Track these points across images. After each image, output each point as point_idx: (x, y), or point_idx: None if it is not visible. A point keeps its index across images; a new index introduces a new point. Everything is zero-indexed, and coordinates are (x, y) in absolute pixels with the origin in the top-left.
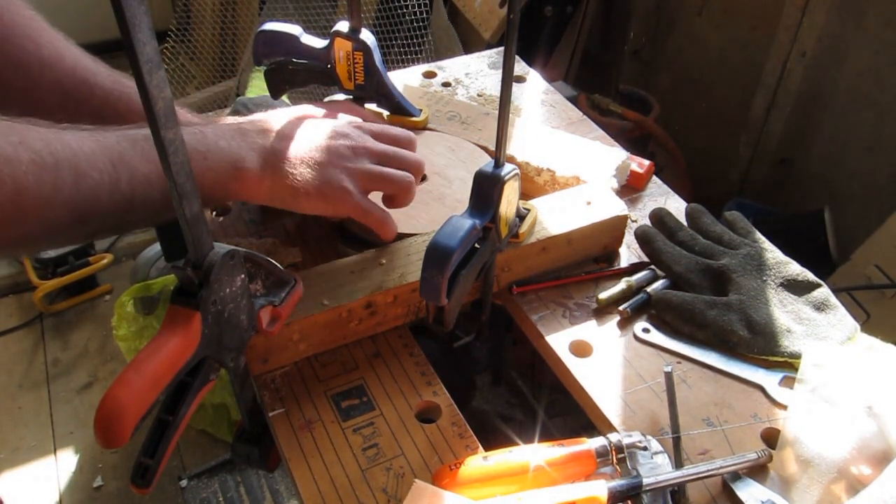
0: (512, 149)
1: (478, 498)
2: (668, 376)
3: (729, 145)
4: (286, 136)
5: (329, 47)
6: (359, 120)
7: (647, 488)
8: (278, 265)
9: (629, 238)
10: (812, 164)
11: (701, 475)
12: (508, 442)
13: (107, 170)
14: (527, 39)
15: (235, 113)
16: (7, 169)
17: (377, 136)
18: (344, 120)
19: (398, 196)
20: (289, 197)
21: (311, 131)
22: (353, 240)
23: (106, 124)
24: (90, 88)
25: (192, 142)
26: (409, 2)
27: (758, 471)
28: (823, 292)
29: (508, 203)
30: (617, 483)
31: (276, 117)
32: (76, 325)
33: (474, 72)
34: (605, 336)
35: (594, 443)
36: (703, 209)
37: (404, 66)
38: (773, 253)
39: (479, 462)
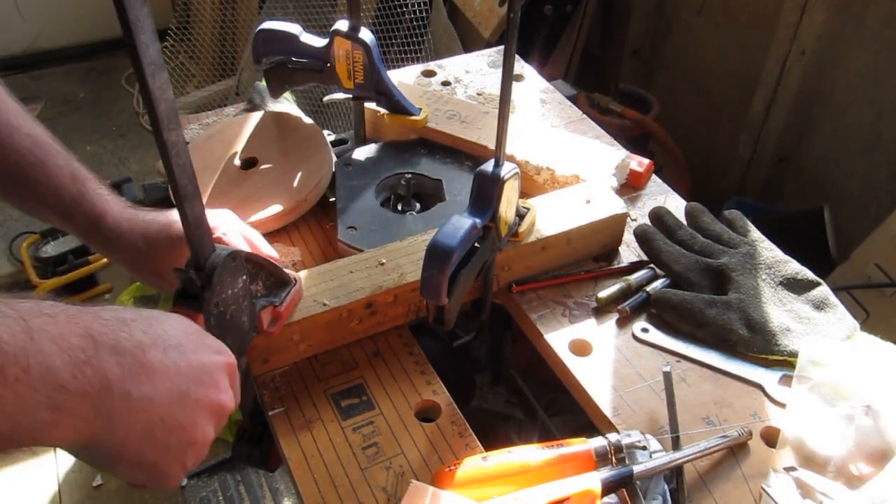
0: (512, 148)
1: (477, 499)
2: (667, 376)
3: (728, 144)
4: (146, 370)
5: (329, 46)
6: (230, 360)
7: (639, 476)
8: (279, 266)
9: (629, 237)
10: (811, 162)
11: (688, 458)
12: (508, 441)
13: None
14: (527, 38)
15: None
16: None
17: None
18: (220, 368)
19: None
20: (107, 457)
21: (185, 367)
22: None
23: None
24: (6, 150)
25: (12, 350)
26: (408, 0)
27: (740, 448)
28: (823, 291)
29: (508, 202)
30: (609, 474)
31: (141, 335)
32: None
33: (474, 70)
34: (604, 335)
35: (593, 443)
36: (702, 208)
37: (404, 65)
38: (772, 252)
39: (478, 462)
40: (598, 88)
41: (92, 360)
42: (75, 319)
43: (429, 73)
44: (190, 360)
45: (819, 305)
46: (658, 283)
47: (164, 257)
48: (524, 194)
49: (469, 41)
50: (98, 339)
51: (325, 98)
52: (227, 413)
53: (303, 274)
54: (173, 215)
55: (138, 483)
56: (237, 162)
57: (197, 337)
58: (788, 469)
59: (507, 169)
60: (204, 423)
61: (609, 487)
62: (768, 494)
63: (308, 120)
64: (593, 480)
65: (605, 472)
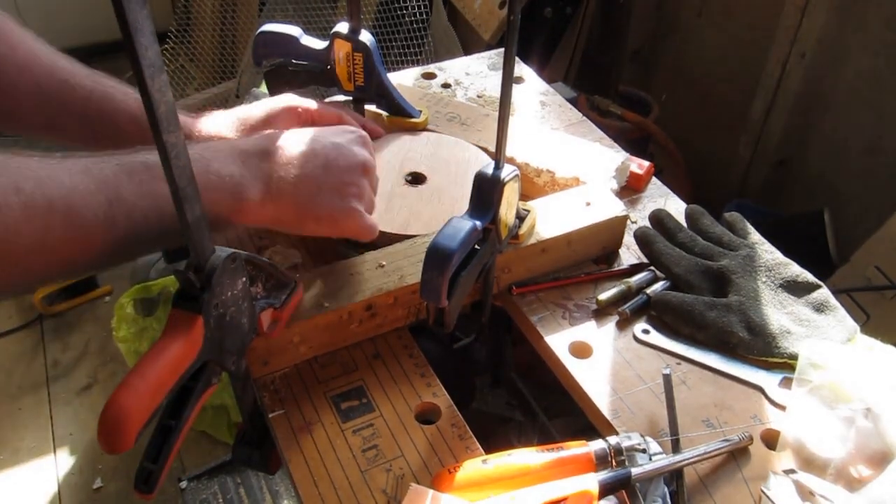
0: (512, 150)
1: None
2: (667, 379)
3: (728, 146)
4: (289, 159)
5: (329, 48)
6: (358, 130)
7: (637, 479)
8: (279, 267)
9: (629, 239)
10: (811, 165)
11: (688, 461)
12: (508, 443)
13: (102, 209)
14: (526, 40)
15: None
16: None
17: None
18: (345, 135)
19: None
20: (294, 222)
21: (313, 152)
22: (353, 242)
23: (91, 124)
24: (70, 89)
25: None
26: (408, 3)
27: (740, 451)
28: (823, 293)
29: (508, 204)
30: (607, 476)
31: (277, 138)
32: (76, 327)
33: (474, 73)
34: (604, 337)
35: (593, 446)
36: (702, 210)
37: (404, 68)
38: (772, 254)
39: (478, 465)
40: (598, 91)
41: (253, 166)
42: (226, 146)
43: (429, 76)
44: (327, 138)
45: (819, 308)
46: (658, 286)
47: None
48: (524, 196)
49: (469, 43)
50: (252, 155)
51: (326, 100)
52: (371, 169)
53: (303, 276)
54: (262, 106)
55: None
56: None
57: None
58: (788, 472)
59: (507, 171)
60: (354, 175)
61: (607, 489)
62: (768, 497)
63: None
64: (591, 481)
65: (604, 474)
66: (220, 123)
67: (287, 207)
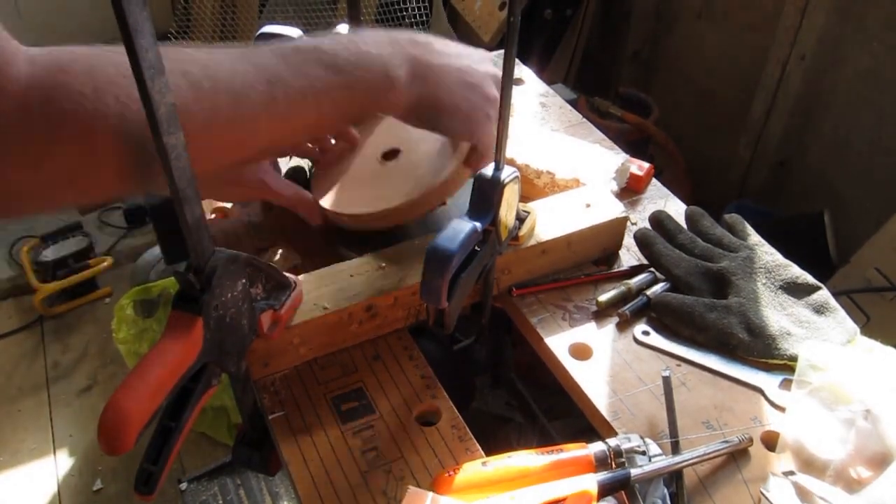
0: (512, 151)
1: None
2: (666, 381)
3: (728, 147)
4: (437, 51)
5: None
6: (490, 54)
7: (636, 480)
8: (278, 269)
9: (629, 240)
10: (812, 166)
11: (687, 462)
12: (508, 444)
13: (263, 89)
14: (526, 42)
15: None
16: None
17: None
18: (478, 53)
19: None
20: (432, 111)
21: (461, 53)
22: (353, 242)
23: None
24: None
25: (343, 53)
26: (408, 4)
27: (740, 453)
28: (823, 295)
29: (508, 206)
30: (606, 476)
31: (424, 35)
32: (76, 328)
33: None
34: (604, 339)
35: (593, 448)
36: (702, 212)
37: None
38: (772, 255)
39: (477, 468)
40: (598, 92)
41: (400, 49)
42: (377, 32)
43: None
44: (460, 50)
45: (819, 309)
46: (658, 287)
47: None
48: (524, 198)
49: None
50: (399, 40)
51: None
52: (497, 80)
53: (303, 277)
54: None
55: (464, 135)
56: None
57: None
58: (787, 473)
59: (507, 173)
60: (490, 85)
61: (606, 489)
62: (767, 498)
63: None
64: (590, 482)
65: (602, 475)
66: None
67: (430, 90)
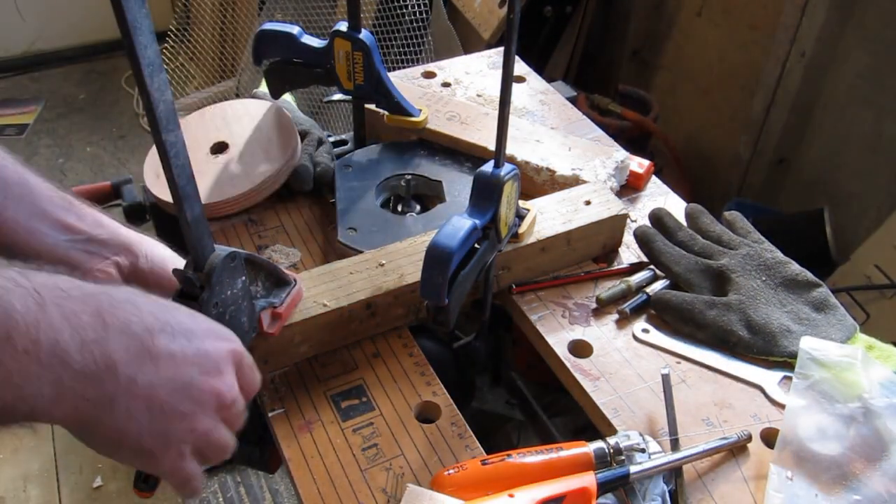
0: (511, 148)
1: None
2: (666, 379)
3: (728, 145)
4: (131, 391)
5: (329, 47)
6: (237, 347)
7: (635, 477)
8: (278, 266)
9: (629, 238)
10: (811, 163)
11: (686, 459)
12: (508, 442)
13: None
14: (526, 39)
15: None
16: None
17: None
18: (228, 358)
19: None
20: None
21: (185, 357)
22: (353, 241)
23: None
24: None
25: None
26: (408, 2)
27: (740, 450)
28: (823, 292)
29: (508, 203)
30: (605, 474)
31: (150, 308)
32: None
33: (474, 72)
34: (604, 336)
35: (592, 446)
36: (702, 209)
37: (404, 67)
38: (772, 253)
39: (477, 466)
40: (597, 90)
41: (100, 340)
42: (87, 297)
43: (429, 75)
44: (197, 348)
45: (819, 307)
46: (658, 285)
47: None
48: (524, 195)
49: (469, 43)
50: (108, 320)
51: (325, 99)
52: (227, 402)
53: (303, 275)
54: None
55: (143, 467)
56: (207, 148)
57: (207, 325)
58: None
59: (506, 170)
60: (206, 412)
61: (605, 486)
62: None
63: (273, 103)
64: (589, 479)
65: (602, 473)
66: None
67: (106, 414)
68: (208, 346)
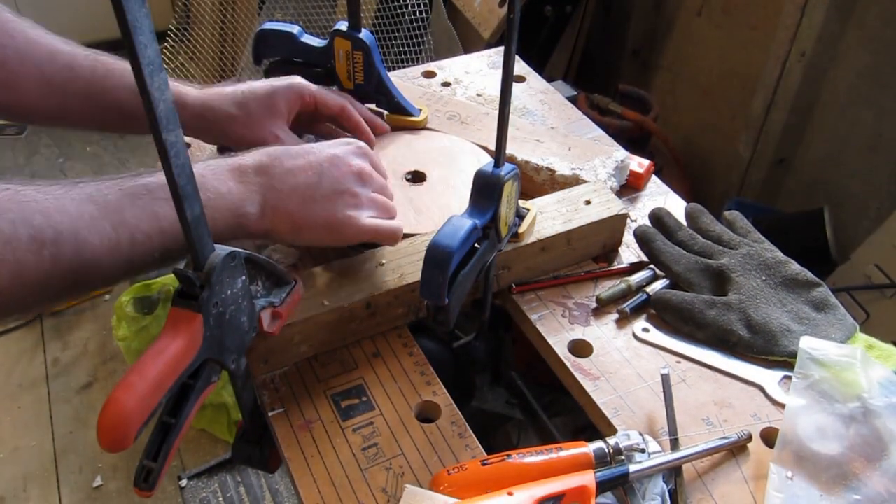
0: (511, 148)
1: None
2: (665, 379)
3: (728, 145)
4: (284, 171)
5: (329, 47)
6: (354, 142)
7: (635, 477)
8: (278, 266)
9: (629, 238)
10: (811, 163)
11: (685, 459)
12: (508, 441)
13: (107, 234)
14: (526, 39)
15: None
16: (7, 250)
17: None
18: (340, 147)
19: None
20: (291, 232)
21: (308, 164)
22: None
23: (96, 103)
24: (72, 72)
25: None
26: (408, 1)
27: (740, 449)
28: (823, 292)
29: (508, 203)
30: (605, 473)
31: (273, 152)
32: (76, 325)
33: (474, 71)
34: (604, 336)
35: (592, 446)
36: (702, 209)
37: (404, 66)
38: (772, 252)
39: (477, 467)
40: (597, 89)
41: (249, 182)
42: (224, 163)
43: (429, 74)
44: (323, 150)
45: (819, 306)
46: (658, 284)
47: (259, 117)
48: (524, 195)
49: (469, 42)
50: (247, 171)
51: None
52: (367, 175)
53: (302, 274)
54: (266, 84)
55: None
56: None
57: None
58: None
59: (506, 170)
60: (348, 184)
61: (604, 485)
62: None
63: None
64: (588, 478)
65: (602, 472)
66: (220, 96)
67: (283, 218)
68: (334, 149)
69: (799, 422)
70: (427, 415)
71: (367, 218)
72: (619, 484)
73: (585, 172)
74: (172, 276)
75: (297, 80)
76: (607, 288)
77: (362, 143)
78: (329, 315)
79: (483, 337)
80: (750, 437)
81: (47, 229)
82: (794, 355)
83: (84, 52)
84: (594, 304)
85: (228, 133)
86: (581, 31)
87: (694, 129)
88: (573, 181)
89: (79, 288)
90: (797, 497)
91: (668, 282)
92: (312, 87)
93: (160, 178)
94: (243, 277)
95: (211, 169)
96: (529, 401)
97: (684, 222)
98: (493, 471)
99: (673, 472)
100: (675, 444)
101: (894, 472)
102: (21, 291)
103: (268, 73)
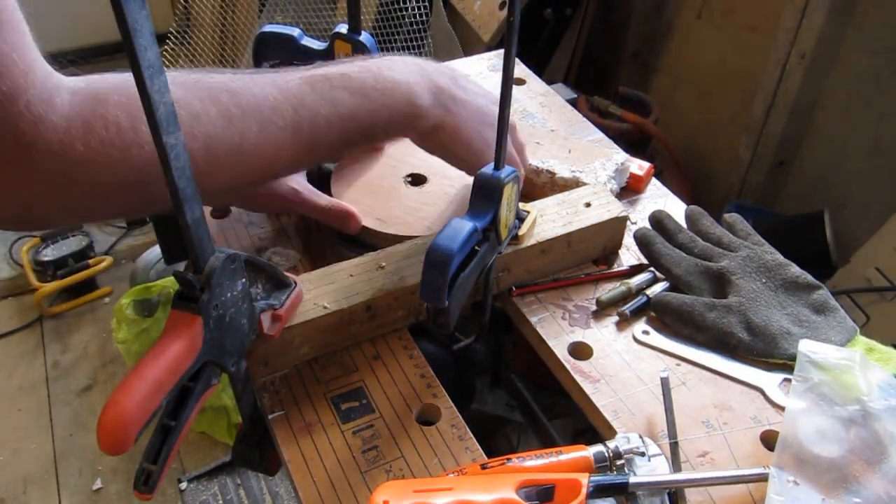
0: (511, 151)
1: None
2: (665, 382)
3: (728, 147)
4: (461, 86)
5: (329, 49)
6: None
7: (634, 489)
8: (278, 268)
9: (629, 240)
10: (811, 166)
11: (690, 483)
12: (508, 444)
13: (289, 116)
14: (526, 42)
15: None
16: (197, 124)
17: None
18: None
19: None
20: (447, 139)
21: (485, 93)
22: (352, 242)
23: None
24: None
25: (370, 80)
26: (408, 4)
27: (740, 452)
28: (823, 294)
29: (508, 205)
30: (602, 478)
31: (456, 70)
32: (76, 328)
33: (474, 74)
34: (604, 338)
35: (592, 450)
36: (702, 211)
37: None
38: (772, 255)
39: (476, 471)
40: (597, 92)
41: (427, 76)
42: (405, 58)
43: None
44: (485, 92)
45: (819, 309)
46: (658, 287)
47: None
48: (524, 197)
49: (469, 45)
50: (426, 69)
51: None
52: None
53: (302, 277)
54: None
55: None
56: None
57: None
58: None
59: (506, 172)
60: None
61: (600, 488)
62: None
63: None
64: (582, 478)
65: (598, 477)
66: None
67: (450, 120)
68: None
69: (799, 425)
70: (427, 417)
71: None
72: (618, 492)
73: (585, 175)
74: (173, 278)
75: None
76: (607, 290)
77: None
78: (329, 317)
79: (483, 339)
80: (765, 478)
81: (233, 108)
82: (794, 358)
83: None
84: (594, 307)
85: (250, 203)
86: (581, 34)
87: (694, 132)
88: (573, 184)
89: (266, 170)
90: (798, 500)
91: (668, 284)
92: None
93: (339, 68)
94: (243, 280)
95: (389, 61)
96: (529, 403)
97: (684, 225)
98: (493, 473)
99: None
100: (674, 449)
101: (894, 475)
102: (212, 168)
103: None
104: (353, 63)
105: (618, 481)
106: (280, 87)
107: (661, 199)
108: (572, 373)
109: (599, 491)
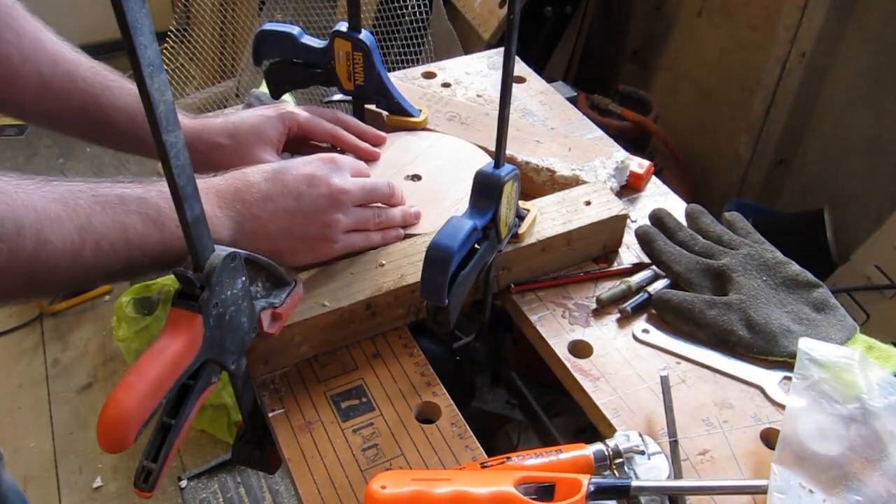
0: (511, 149)
1: None
2: (665, 381)
3: (728, 145)
4: (260, 196)
5: (329, 48)
6: (334, 157)
7: (635, 493)
8: (278, 266)
9: (629, 238)
10: (811, 164)
11: (692, 491)
12: (508, 442)
13: (70, 238)
14: (526, 40)
15: (249, 106)
16: None
17: (356, 175)
18: (315, 164)
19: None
20: (272, 255)
21: (285, 186)
22: None
23: (88, 117)
24: (72, 80)
25: (167, 208)
26: (408, 2)
27: (740, 450)
28: (823, 292)
29: (508, 203)
30: (603, 480)
31: (249, 175)
32: (76, 326)
33: (474, 72)
34: (604, 336)
35: (592, 449)
36: (702, 209)
37: (404, 67)
38: (772, 253)
39: (476, 469)
40: (598, 90)
41: (226, 206)
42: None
43: (429, 75)
44: (299, 170)
45: (819, 307)
46: (659, 284)
47: (249, 147)
48: (524, 195)
49: (469, 43)
50: (226, 196)
51: (325, 99)
52: (345, 191)
53: (302, 275)
54: (252, 112)
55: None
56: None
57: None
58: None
59: (506, 170)
60: (326, 207)
61: (601, 490)
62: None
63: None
64: (583, 478)
65: (599, 479)
66: (210, 126)
67: (262, 243)
68: (311, 169)
69: (799, 422)
70: (427, 415)
71: (343, 239)
72: (618, 495)
73: (585, 173)
74: (173, 276)
75: (287, 108)
76: (607, 289)
77: (336, 155)
78: (329, 316)
79: (483, 337)
80: (765, 492)
81: (9, 222)
82: (794, 356)
83: (89, 64)
84: (594, 305)
85: (218, 163)
86: (581, 32)
87: (694, 130)
88: (573, 182)
89: (32, 288)
90: (799, 498)
91: (668, 282)
92: (301, 116)
93: (136, 189)
94: (243, 278)
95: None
96: (529, 401)
97: (684, 223)
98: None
99: (672, 471)
100: (674, 447)
101: (894, 473)
102: None
103: (268, 74)
104: (152, 187)
105: (619, 484)
106: (68, 206)
107: (661, 197)
108: (572, 371)
109: (600, 492)
